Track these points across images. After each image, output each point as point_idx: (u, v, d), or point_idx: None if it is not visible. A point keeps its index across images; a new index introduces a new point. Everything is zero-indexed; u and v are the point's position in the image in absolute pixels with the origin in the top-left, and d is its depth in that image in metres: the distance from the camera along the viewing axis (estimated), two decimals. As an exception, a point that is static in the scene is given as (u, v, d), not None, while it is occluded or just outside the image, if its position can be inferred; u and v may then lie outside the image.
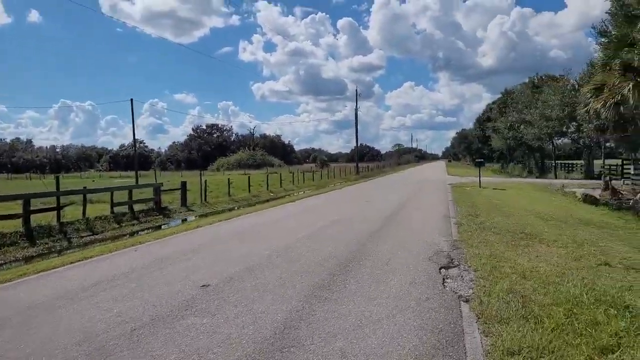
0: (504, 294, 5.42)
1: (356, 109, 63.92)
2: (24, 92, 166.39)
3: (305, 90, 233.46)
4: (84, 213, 16.44)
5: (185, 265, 7.99)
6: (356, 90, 66.93)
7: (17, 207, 14.22)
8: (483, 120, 76.38)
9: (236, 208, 22.59)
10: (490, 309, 4.99)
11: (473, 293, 5.64)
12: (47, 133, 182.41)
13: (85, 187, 18.22)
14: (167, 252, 9.40)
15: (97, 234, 15.14)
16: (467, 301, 5.38)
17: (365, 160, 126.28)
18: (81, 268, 8.30)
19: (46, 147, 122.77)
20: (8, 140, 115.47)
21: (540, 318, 4.62)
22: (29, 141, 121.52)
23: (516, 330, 4.37)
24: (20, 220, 13.88)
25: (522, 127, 44.19)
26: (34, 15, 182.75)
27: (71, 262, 8.93)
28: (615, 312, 4.68)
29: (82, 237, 14.63)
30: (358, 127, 64.48)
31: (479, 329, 4.54)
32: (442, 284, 6.18)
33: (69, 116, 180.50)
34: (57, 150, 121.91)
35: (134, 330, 4.84)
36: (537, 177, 42.17)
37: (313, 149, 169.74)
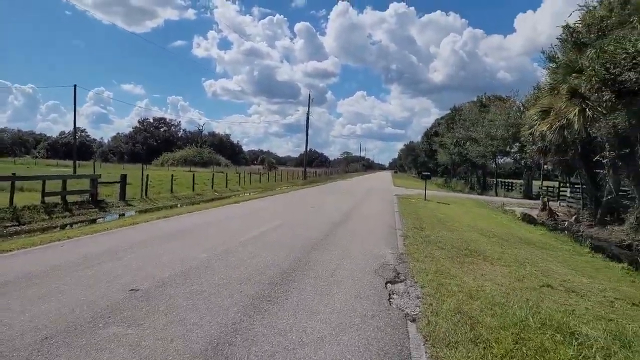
0: (452, 315, 5.23)
1: (308, 114, 63.35)
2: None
3: (258, 91, 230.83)
4: (11, 201, 15.15)
5: (114, 265, 7.34)
6: (309, 94, 66.74)
7: None
8: (431, 134, 78.59)
9: (178, 206, 21.68)
10: (438, 330, 4.77)
11: (420, 312, 5.42)
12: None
13: (14, 174, 16.83)
14: (96, 249, 8.67)
15: (23, 225, 14.00)
16: (414, 320, 5.15)
17: (313, 165, 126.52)
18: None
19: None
20: None
21: (489, 343, 4.45)
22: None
23: (465, 356, 4.17)
24: None
25: (467, 143, 45.62)
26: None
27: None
28: (562, 338, 4.59)
29: (7, 227, 13.48)
30: (309, 132, 64.09)
31: (426, 352, 4.30)
32: (389, 300, 5.94)
33: (6, 98, 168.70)
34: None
35: (45, 340, 4.25)
36: (478, 194, 43.62)
37: (262, 150, 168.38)
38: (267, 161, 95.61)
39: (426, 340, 4.56)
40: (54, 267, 7.15)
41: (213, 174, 37.08)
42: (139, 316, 4.94)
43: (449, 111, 67.80)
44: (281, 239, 10.31)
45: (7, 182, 16.18)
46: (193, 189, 28.46)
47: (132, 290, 5.90)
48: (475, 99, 53.94)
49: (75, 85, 35.36)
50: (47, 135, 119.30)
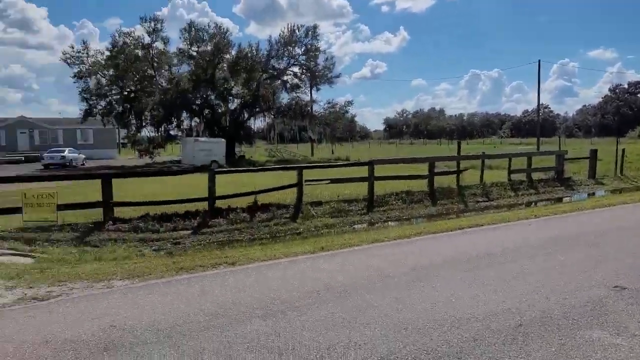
0: None
1: None
2: (440, 66, 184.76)
3: None
4: (481, 178, 16.46)
5: (588, 253, 6.46)
6: None
7: (424, 169, 15.47)
8: None
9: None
10: None
11: None
12: (457, 102, 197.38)
13: (483, 153, 18.26)
14: (564, 231, 8.04)
15: (492, 200, 14.85)
16: None
17: None
18: (471, 235, 8.00)
19: (455, 115, 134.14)
20: (425, 110, 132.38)
21: None
22: (441, 110, 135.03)
23: None
24: (425, 181, 15.05)
25: None
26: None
27: (460, 228, 8.78)
28: None
29: (478, 202, 14.62)
30: None
31: None
32: None
33: (477, 85, 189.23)
34: (464, 117, 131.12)
35: (519, 327, 3.92)
36: None
37: None
38: None
39: None
40: (522, 245, 6.96)
41: None
42: (631, 324, 3.89)
43: None
44: None
45: (477, 160, 17.68)
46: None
47: (616, 287, 4.84)
48: None
49: (539, 61, 35.34)
50: (510, 114, 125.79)
